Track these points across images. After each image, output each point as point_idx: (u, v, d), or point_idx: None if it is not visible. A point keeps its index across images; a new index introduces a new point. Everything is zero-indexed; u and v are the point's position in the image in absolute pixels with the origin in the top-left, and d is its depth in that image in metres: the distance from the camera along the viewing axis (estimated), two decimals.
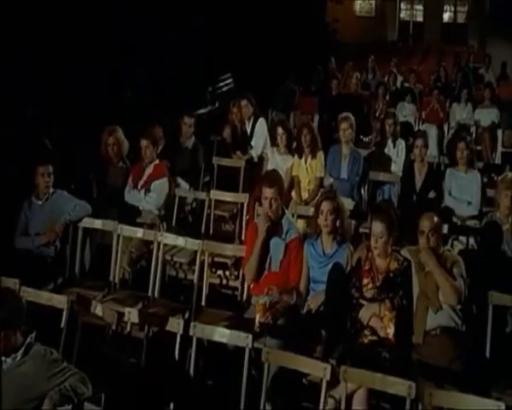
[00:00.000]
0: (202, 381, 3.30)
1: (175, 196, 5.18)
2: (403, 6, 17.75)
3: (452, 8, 17.01)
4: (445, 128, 7.94)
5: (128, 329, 3.29)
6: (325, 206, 3.60)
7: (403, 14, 17.79)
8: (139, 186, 4.98)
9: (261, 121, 6.39)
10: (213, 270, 4.64)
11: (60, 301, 3.35)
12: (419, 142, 5.16)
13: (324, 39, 12.50)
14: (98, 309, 3.37)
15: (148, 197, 4.93)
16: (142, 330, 3.44)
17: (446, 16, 17.26)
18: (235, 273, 4.64)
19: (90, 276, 4.51)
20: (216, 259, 4.58)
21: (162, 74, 7.60)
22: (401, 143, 5.89)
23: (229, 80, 9.53)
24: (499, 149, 7.24)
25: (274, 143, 5.72)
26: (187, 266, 4.70)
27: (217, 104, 8.85)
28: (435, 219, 3.41)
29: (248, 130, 6.42)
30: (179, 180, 5.48)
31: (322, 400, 2.78)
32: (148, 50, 7.42)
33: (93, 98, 6.17)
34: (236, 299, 4.24)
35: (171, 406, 3.08)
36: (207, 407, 3.28)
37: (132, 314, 3.29)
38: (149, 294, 4.12)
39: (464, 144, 4.94)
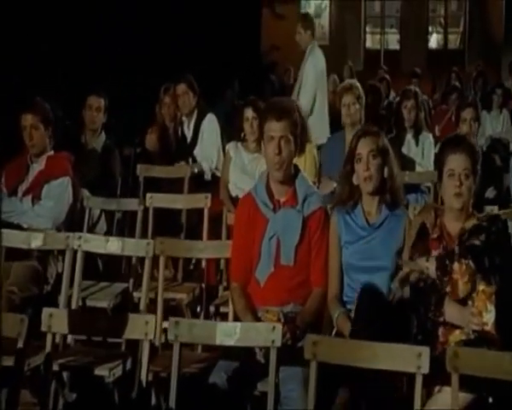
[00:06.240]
0: None
1: (84, 209, 5.01)
2: (368, 30, 19.01)
3: (441, 30, 18.42)
4: None
5: (49, 345, 2.85)
6: (365, 145, 3.52)
7: (369, 43, 19.00)
8: (20, 191, 4.85)
9: (210, 118, 6.31)
10: None
11: None
12: (467, 113, 5.24)
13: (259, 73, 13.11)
14: None
15: (39, 207, 4.76)
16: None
17: (433, 41, 18.64)
18: None
19: None
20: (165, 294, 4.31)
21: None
22: (428, 138, 6.01)
23: None
24: None
25: (237, 136, 5.66)
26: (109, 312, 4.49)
27: None
28: None
29: (189, 133, 6.34)
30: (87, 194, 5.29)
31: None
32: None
33: None
34: None
35: None
36: None
37: (56, 318, 2.86)
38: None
39: None
